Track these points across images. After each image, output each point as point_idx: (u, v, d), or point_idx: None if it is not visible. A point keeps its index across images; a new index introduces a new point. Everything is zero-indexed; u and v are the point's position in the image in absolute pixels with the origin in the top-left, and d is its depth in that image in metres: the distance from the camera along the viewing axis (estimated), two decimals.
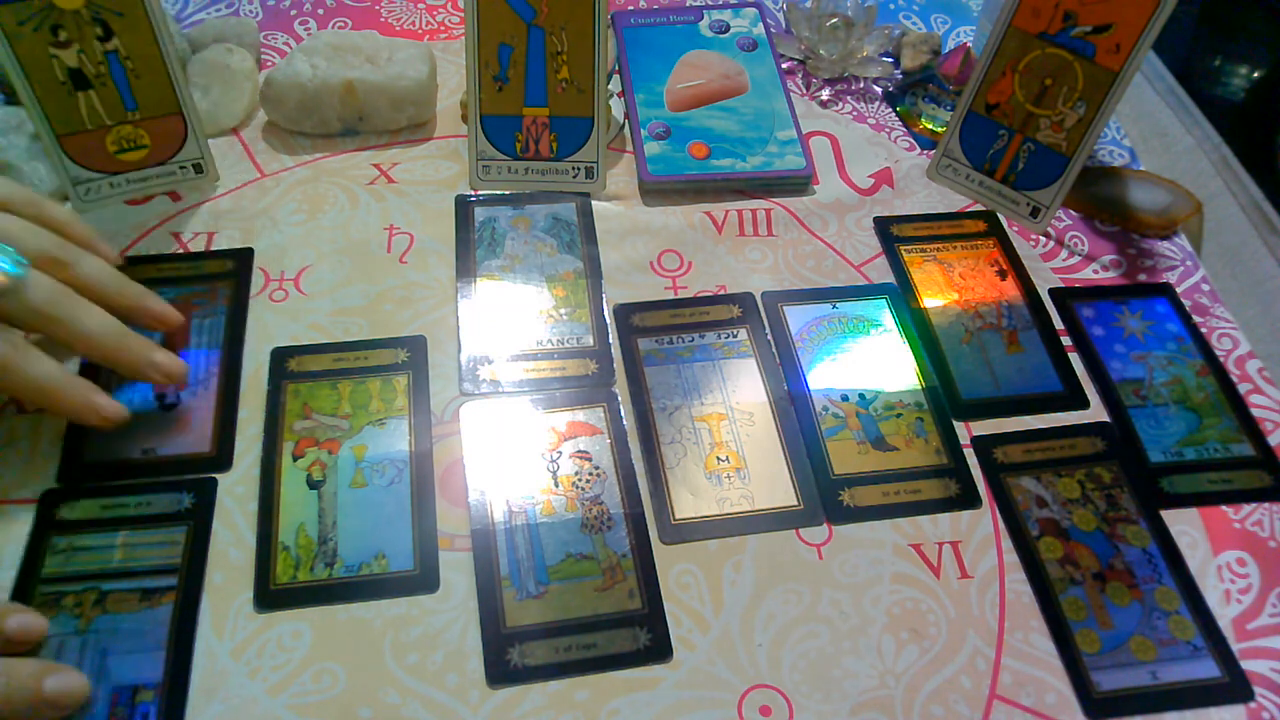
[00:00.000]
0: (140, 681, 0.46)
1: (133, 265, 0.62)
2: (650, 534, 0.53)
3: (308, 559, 0.50)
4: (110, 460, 0.54)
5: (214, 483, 0.53)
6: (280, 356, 0.58)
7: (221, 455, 0.54)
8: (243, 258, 0.63)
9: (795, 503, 0.54)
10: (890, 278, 0.66)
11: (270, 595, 0.49)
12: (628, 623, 0.49)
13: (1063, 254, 0.69)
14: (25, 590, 0.48)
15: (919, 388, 0.60)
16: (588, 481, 0.54)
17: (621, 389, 0.59)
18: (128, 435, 0.54)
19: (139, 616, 0.48)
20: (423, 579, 0.50)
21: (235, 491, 0.53)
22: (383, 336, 0.60)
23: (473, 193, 0.69)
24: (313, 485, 0.53)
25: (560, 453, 0.55)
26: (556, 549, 0.52)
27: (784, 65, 0.78)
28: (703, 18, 0.80)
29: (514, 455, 0.55)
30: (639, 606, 0.50)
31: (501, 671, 0.48)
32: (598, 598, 0.50)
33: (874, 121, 0.78)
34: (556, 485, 0.54)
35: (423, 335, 0.60)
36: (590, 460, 0.55)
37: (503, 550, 0.51)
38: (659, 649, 0.49)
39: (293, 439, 0.55)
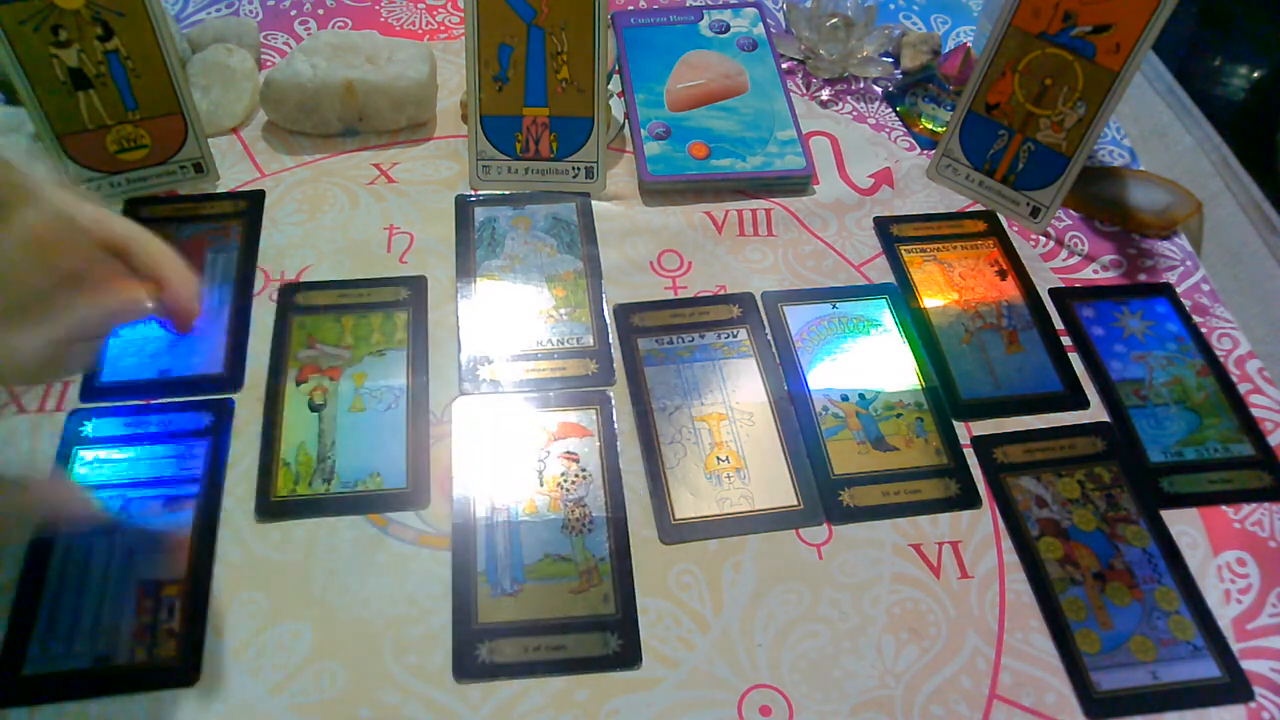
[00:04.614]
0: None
1: (149, 205, 0.65)
2: (631, 539, 0.52)
3: (306, 475, 0.54)
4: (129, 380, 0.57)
5: (231, 404, 0.57)
6: (288, 291, 0.62)
7: (232, 378, 0.58)
8: (254, 198, 0.67)
9: (795, 503, 0.54)
10: (890, 278, 0.66)
11: (270, 506, 0.52)
12: (599, 627, 0.49)
13: (1063, 254, 0.69)
14: None
15: (919, 388, 0.60)
16: (573, 483, 0.54)
17: (621, 389, 0.59)
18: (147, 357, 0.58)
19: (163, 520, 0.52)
20: (414, 496, 0.53)
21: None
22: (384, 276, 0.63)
23: (473, 193, 0.69)
24: (314, 409, 0.56)
25: (549, 452, 0.56)
26: (535, 548, 0.52)
27: (784, 65, 0.78)
28: (703, 18, 0.80)
29: (503, 452, 0.55)
30: (612, 612, 0.50)
31: (469, 667, 0.48)
32: (572, 600, 0.50)
33: (874, 121, 0.78)
34: (542, 485, 0.54)
35: (423, 275, 0.63)
36: (578, 462, 0.55)
37: (481, 546, 0.51)
38: (628, 655, 0.48)
39: (296, 366, 0.58)
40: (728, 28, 0.79)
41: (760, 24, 0.80)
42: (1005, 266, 0.67)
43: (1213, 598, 0.53)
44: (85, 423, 0.55)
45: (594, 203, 0.69)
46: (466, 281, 0.63)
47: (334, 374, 0.58)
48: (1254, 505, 0.57)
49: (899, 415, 0.59)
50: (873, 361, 0.61)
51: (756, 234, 0.68)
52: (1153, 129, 0.78)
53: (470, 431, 0.56)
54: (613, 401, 0.58)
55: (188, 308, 0.42)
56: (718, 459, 0.56)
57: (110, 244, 0.40)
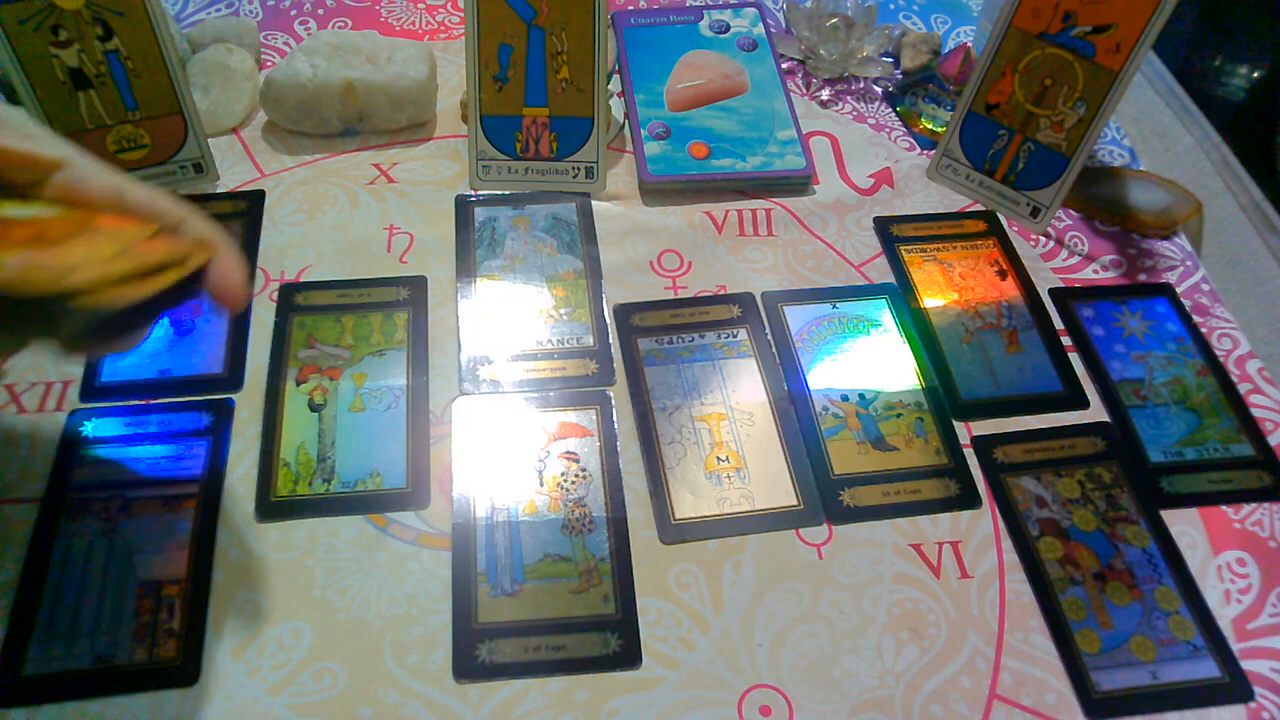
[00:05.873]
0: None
1: None
2: (631, 539, 0.52)
3: (306, 475, 0.54)
4: (129, 380, 0.58)
5: (231, 404, 0.57)
6: (288, 291, 0.62)
7: (232, 378, 0.58)
8: (254, 198, 0.67)
9: (795, 503, 0.54)
10: (890, 278, 0.66)
11: (270, 506, 0.52)
12: (599, 627, 0.49)
13: (1063, 254, 0.69)
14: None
15: (919, 388, 0.60)
16: (573, 483, 0.54)
17: (621, 389, 0.59)
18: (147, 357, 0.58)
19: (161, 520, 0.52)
20: (414, 496, 0.53)
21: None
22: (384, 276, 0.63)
23: (473, 193, 0.69)
24: (314, 408, 0.56)
25: (549, 452, 0.56)
26: (535, 548, 0.52)
27: (784, 65, 0.78)
28: (703, 18, 0.80)
29: (503, 452, 0.55)
30: (612, 612, 0.50)
31: (469, 667, 0.48)
32: (572, 600, 0.50)
33: (874, 121, 0.78)
34: (542, 485, 0.54)
35: (423, 275, 0.63)
36: (578, 462, 0.55)
37: (481, 546, 0.52)
38: (628, 656, 0.48)
39: (296, 366, 0.58)
40: (728, 28, 0.79)
41: (760, 24, 0.80)
42: (1005, 266, 0.67)
43: (1213, 598, 0.53)
44: (85, 423, 0.55)
45: (594, 203, 0.69)
46: (466, 281, 0.63)
47: (334, 374, 0.58)
48: (1254, 505, 0.57)
49: (899, 415, 0.59)
50: (873, 361, 0.61)
51: (756, 234, 0.68)
52: (1153, 129, 0.79)
53: (470, 431, 0.56)
54: (613, 401, 0.58)
55: (239, 283, 0.41)
56: (718, 459, 0.56)
57: (154, 215, 0.41)
